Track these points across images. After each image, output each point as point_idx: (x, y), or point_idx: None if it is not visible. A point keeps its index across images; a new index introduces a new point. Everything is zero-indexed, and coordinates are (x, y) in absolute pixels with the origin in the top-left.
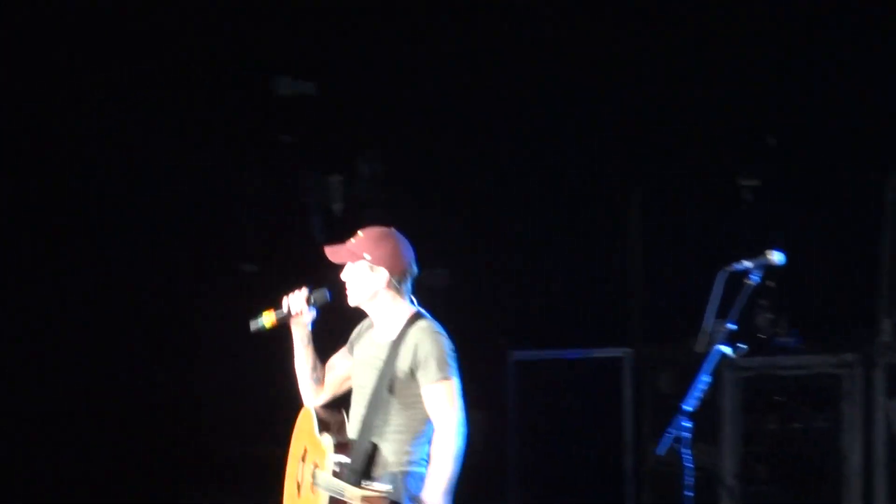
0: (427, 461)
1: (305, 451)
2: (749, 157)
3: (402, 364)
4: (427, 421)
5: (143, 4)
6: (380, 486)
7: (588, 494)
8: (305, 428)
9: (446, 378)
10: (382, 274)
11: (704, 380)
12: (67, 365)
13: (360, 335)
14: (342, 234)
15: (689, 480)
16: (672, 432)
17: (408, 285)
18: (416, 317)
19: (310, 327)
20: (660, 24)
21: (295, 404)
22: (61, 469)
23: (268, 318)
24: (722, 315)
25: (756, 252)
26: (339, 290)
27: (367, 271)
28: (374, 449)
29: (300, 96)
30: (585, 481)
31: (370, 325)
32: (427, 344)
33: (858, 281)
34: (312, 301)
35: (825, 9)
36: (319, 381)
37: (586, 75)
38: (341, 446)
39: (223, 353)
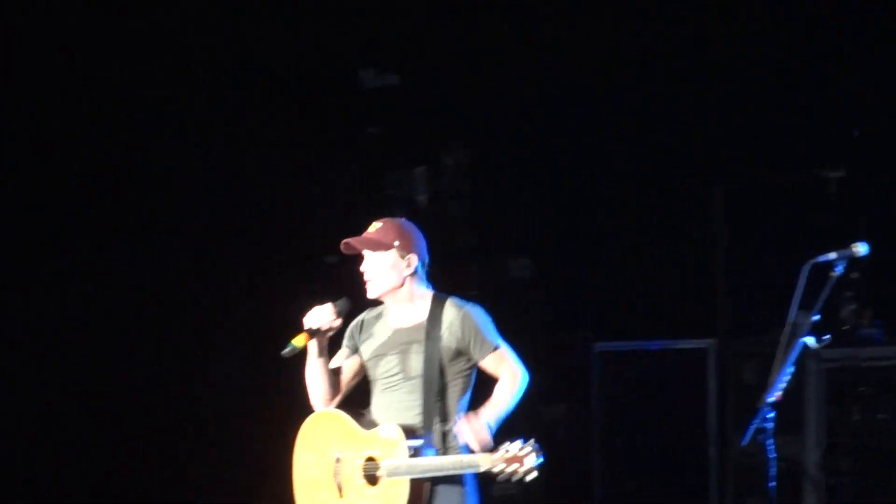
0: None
1: (340, 451)
2: (833, 149)
3: (448, 343)
4: (468, 385)
5: None
6: (513, 446)
7: (672, 485)
8: (331, 429)
9: (498, 346)
10: (412, 260)
11: (788, 371)
12: (143, 347)
13: (362, 329)
14: (428, 227)
15: (773, 471)
16: (756, 423)
17: (427, 272)
18: (440, 298)
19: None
20: (741, 18)
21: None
22: (97, 462)
23: (299, 340)
24: (806, 307)
25: (840, 244)
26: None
27: (395, 259)
28: (445, 425)
29: (385, 88)
30: (669, 472)
31: (377, 316)
32: (468, 321)
33: None
34: (339, 312)
35: None
36: (335, 387)
37: (671, 68)
38: (409, 431)
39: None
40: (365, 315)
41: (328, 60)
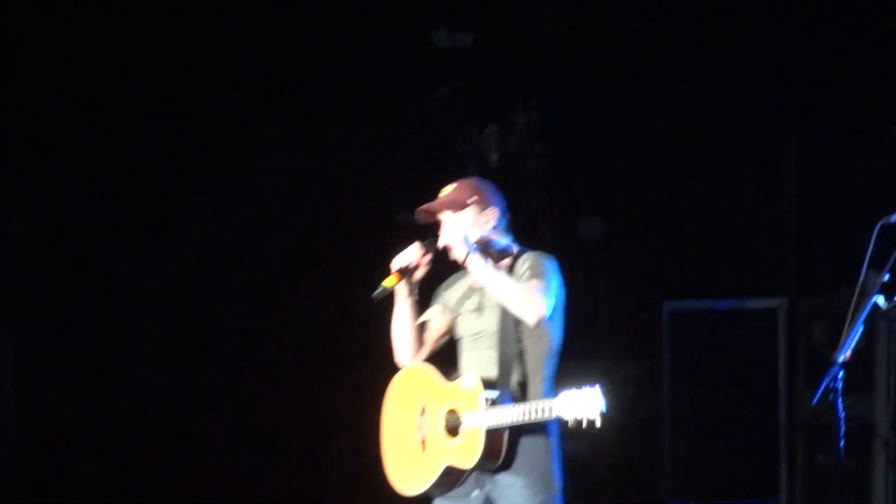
0: (553, 386)
1: (424, 405)
2: None
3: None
4: (550, 347)
5: None
6: (581, 392)
7: (741, 445)
8: (418, 383)
9: (540, 280)
10: (492, 214)
11: (858, 331)
12: (221, 306)
13: (451, 288)
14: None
15: (842, 431)
16: (825, 383)
17: (508, 225)
18: (521, 252)
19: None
20: None
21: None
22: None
23: (389, 280)
24: (877, 266)
25: None
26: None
27: (474, 216)
28: (524, 377)
29: (457, 48)
30: (739, 432)
31: (463, 274)
32: (533, 260)
33: None
34: (426, 248)
35: None
36: (420, 341)
37: (743, 24)
38: (488, 383)
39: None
40: (454, 275)
41: (401, 21)
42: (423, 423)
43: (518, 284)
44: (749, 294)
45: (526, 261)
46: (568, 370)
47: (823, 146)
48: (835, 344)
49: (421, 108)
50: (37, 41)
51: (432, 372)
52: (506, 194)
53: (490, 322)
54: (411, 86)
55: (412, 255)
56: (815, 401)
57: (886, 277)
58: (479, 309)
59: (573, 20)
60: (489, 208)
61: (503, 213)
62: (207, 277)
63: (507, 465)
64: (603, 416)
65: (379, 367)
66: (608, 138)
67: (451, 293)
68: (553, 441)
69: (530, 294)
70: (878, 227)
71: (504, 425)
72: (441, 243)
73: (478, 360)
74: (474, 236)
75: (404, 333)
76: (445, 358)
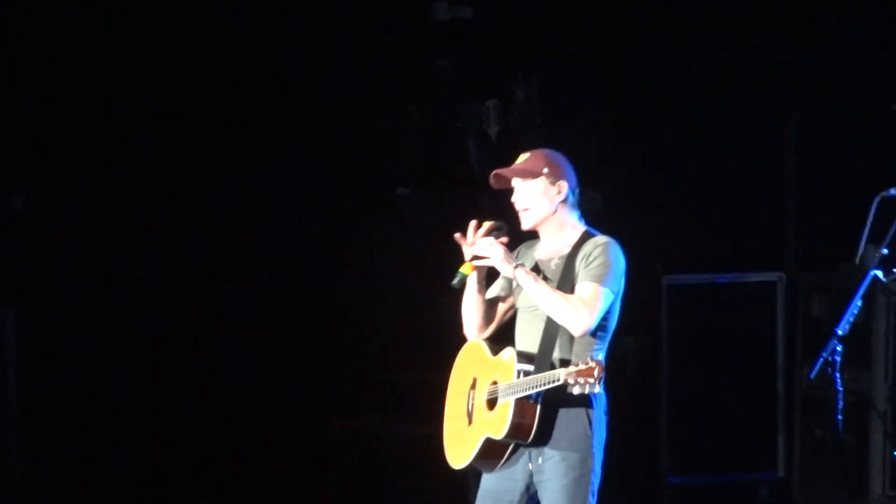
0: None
1: (475, 379)
2: None
3: (578, 272)
4: (604, 328)
5: None
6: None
7: (740, 418)
8: (473, 358)
9: (600, 285)
10: (563, 187)
11: (857, 304)
12: (226, 278)
13: (516, 259)
14: (498, 159)
15: (840, 404)
16: (824, 356)
17: (578, 201)
18: (590, 233)
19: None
20: None
21: (450, 328)
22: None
23: (466, 268)
24: (875, 240)
25: None
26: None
27: (546, 187)
28: (572, 355)
29: (457, 21)
30: (737, 405)
31: (530, 246)
32: (599, 248)
33: None
34: (500, 236)
35: None
36: (488, 317)
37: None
38: (524, 356)
39: (382, 277)
40: (521, 247)
41: None
42: (472, 397)
43: (565, 298)
44: (748, 268)
45: (592, 250)
46: None
47: (824, 121)
48: (833, 318)
49: (421, 83)
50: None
51: (484, 347)
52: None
53: None
54: (411, 60)
55: (487, 250)
56: (813, 374)
57: (885, 251)
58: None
59: None
60: (561, 181)
61: (574, 188)
62: (213, 258)
63: (542, 438)
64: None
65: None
66: (608, 112)
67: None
68: (595, 414)
69: (577, 308)
70: (876, 201)
71: (533, 396)
72: (481, 254)
73: (531, 332)
74: (543, 208)
75: (471, 315)
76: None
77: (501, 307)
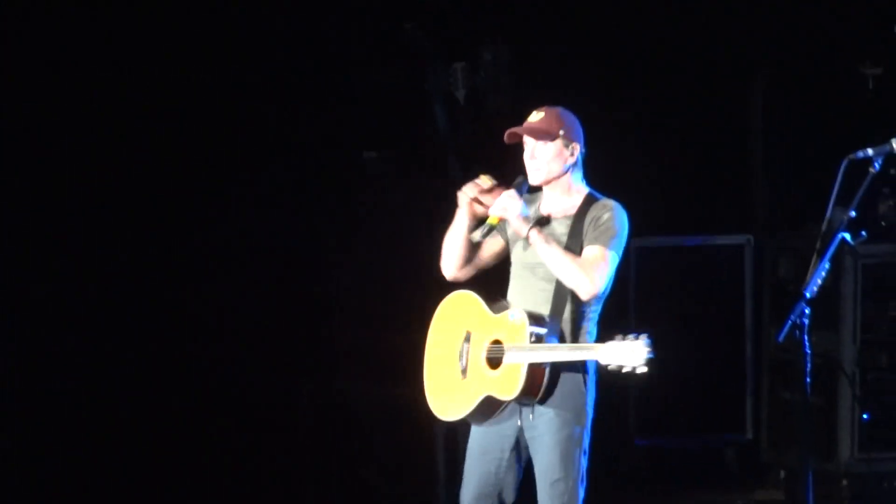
0: (597, 327)
1: (468, 333)
2: (873, 45)
3: (586, 234)
4: (604, 291)
5: None
6: (626, 339)
7: (708, 380)
8: (466, 311)
9: (606, 248)
10: (576, 150)
11: (825, 267)
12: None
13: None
14: (466, 122)
15: (808, 367)
16: (792, 319)
17: (584, 162)
18: (594, 196)
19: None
20: None
21: (419, 288)
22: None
23: (492, 219)
24: (843, 203)
25: (879, 140)
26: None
27: (560, 149)
28: (575, 315)
29: None
30: (705, 367)
31: (531, 200)
32: (607, 212)
33: None
34: (519, 190)
35: None
36: (469, 258)
37: None
38: (534, 318)
39: (350, 239)
40: (521, 200)
41: None
42: (466, 351)
43: (575, 262)
44: (716, 231)
45: (601, 213)
46: None
47: (790, 83)
48: (801, 280)
49: (388, 45)
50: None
51: (480, 301)
52: (473, 131)
53: None
54: (378, 22)
55: (509, 206)
56: (781, 337)
57: (853, 214)
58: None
59: None
60: (574, 143)
61: (583, 150)
62: (180, 222)
63: (544, 399)
64: (649, 363)
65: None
66: (575, 76)
67: None
68: (589, 378)
69: (588, 271)
70: (844, 164)
71: (546, 362)
72: (496, 213)
73: (530, 290)
74: (556, 169)
75: (452, 250)
76: (493, 285)
77: (487, 254)
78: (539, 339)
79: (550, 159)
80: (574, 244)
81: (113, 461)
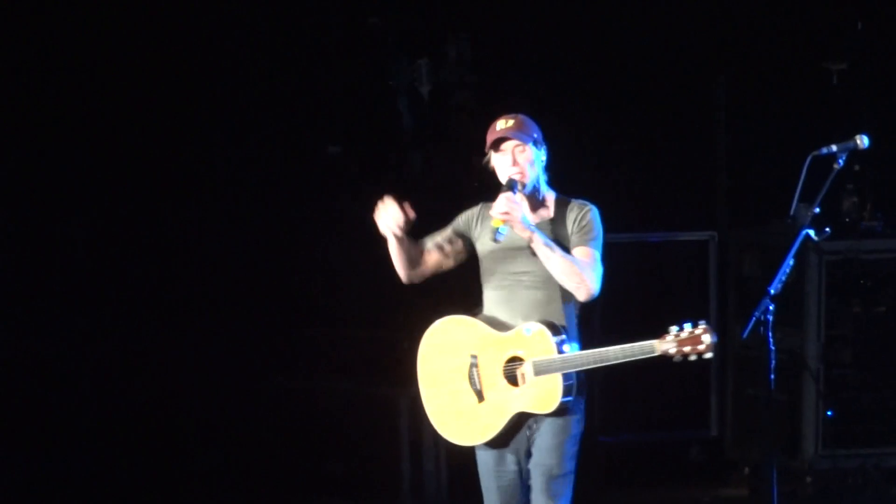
0: (581, 328)
1: (474, 356)
2: (836, 41)
3: (571, 237)
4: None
5: None
6: (685, 328)
7: (672, 377)
8: (464, 335)
9: (592, 248)
10: (544, 154)
11: (789, 263)
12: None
13: (480, 222)
14: (430, 117)
15: (773, 363)
16: (756, 315)
17: (548, 166)
18: (564, 198)
19: None
20: None
21: (384, 284)
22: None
23: (496, 222)
24: (807, 199)
25: (842, 136)
26: None
27: (536, 153)
28: (566, 320)
29: None
30: (669, 364)
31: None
32: (588, 214)
33: None
34: (515, 192)
35: None
36: (415, 260)
37: None
38: (551, 328)
39: (315, 234)
40: (477, 209)
41: None
42: (476, 375)
43: (575, 263)
44: (680, 227)
45: (581, 215)
46: None
47: (753, 80)
48: (765, 277)
49: (352, 40)
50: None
51: (477, 322)
52: (436, 126)
53: (535, 262)
54: (342, 17)
55: (507, 204)
56: (745, 334)
57: (817, 210)
58: (526, 248)
59: None
60: (543, 147)
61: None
62: (148, 218)
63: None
64: (714, 348)
65: None
66: (539, 72)
67: (482, 229)
68: (580, 375)
69: (585, 273)
70: (808, 160)
71: (586, 368)
72: (498, 215)
73: (518, 299)
74: (534, 173)
75: (396, 258)
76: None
77: (437, 257)
78: (562, 347)
79: (531, 163)
80: (562, 245)
81: (82, 456)
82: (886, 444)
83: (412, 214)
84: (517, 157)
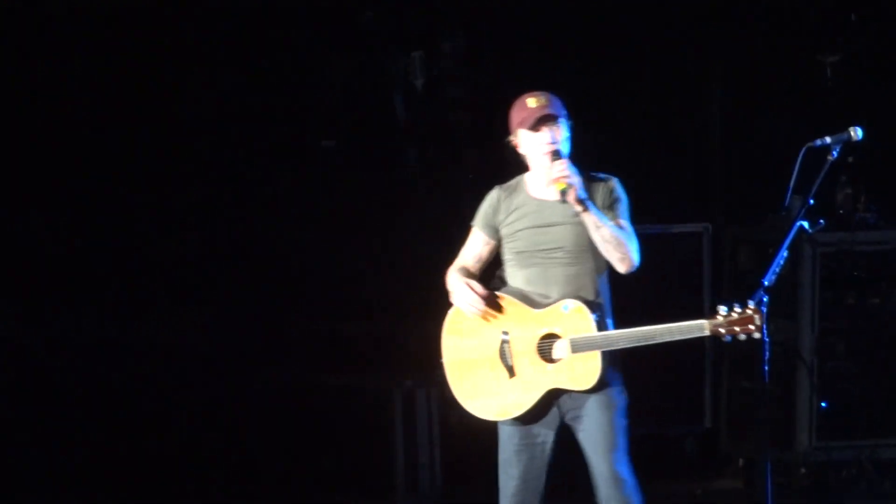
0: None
1: (505, 332)
2: (831, 33)
3: (601, 209)
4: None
5: None
6: (735, 309)
7: (667, 370)
8: (495, 312)
9: (629, 220)
10: (569, 130)
11: (783, 255)
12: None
13: (500, 208)
14: (424, 111)
15: (767, 355)
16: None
17: None
18: (589, 174)
19: None
20: None
21: (374, 277)
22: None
23: (559, 184)
24: (801, 191)
25: (836, 128)
26: None
27: (567, 127)
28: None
29: None
30: (664, 357)
31: (512, 190)
32: (616, 188)
33: None
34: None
35: None
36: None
37: None
38: (589, 304)
39: (309, 227)
40: (495, 195)
41: None
42: (508, 351)
43: (621, 235)
44: (674, 219)
45: (611, 188)
46: None
47: (749, 72)
48: (759, 268)
49: (346, 33)
50: None
51: (508, 298)
52: (430, 120)
53: (567, 237)
54: (337, 11)
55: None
56: None
57: (811, 202)
58: (558, 225)
59: None
60: (570, 122)
61: None
62: (140, 210)
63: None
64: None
65: None
66: (533, 64)
67: (504, 213)
68: (617, 353)
69: (629, 244)
70: (802, 152)
71: (630, 346)
72: (563, 179)
73: (550, 275)
74: (567, 149)
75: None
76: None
77: (480, 266)
78: (601, 324)
79: (565, 139)
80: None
81: (67, 450)
82: (881, 436)
83: (485, 293)
84: (557, 134)
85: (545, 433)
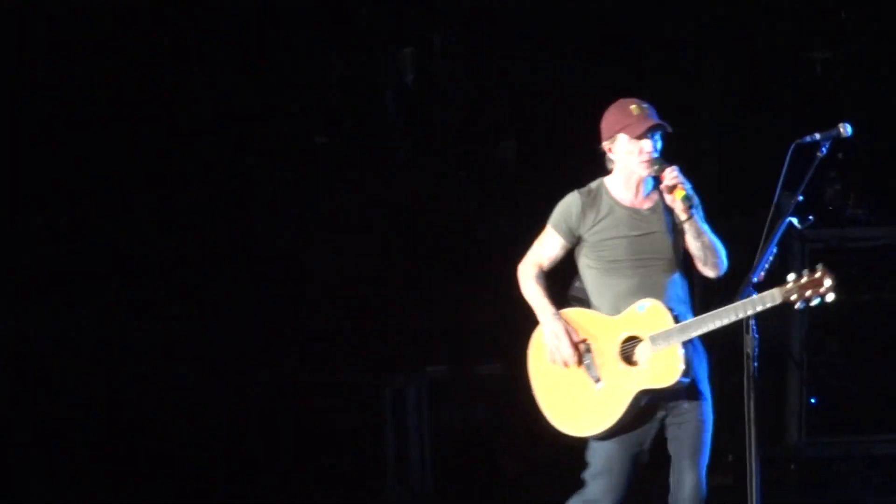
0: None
1: (587, 344)
2: (820, 30)
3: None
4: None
5: None
6: (804, 274)
7: None
8: (576, 327)
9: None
10: None
11: (772, 251)
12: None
13: (585, 215)
14: (417, 108)
15: (756, 351)
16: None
17: None
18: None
19: None
20: None
21: (374, 274)
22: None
23: (679, 192)
24: (791, 187)
25: (826, 124)
26: None
27: (660, 138)
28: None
29: None
30: None
31: (595, 196)
32: (696, 196)
33: None
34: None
35: None
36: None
37: None
38: (681, 306)
39: (298, 222)
40: (578, 201)
41: None
42: (593, 362)
43: (717, 242)
44: None
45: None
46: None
47: (741, 68)
48: (750, 265)
49: (338, 30)
50: None
51: (585, 311)
52: (424, 117)
53: (667, 246)
54: (329, 6)
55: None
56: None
57: (800, 198)
58: (655, 232)
59: None
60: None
61: None
62: (138, 209)
63: (690, 372)
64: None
65: None
66: (524, 59)
67: (590, 221)
68: (697, 343)
69: (721, 251)
70: (792, 148)
71: (707, 331)
72: (683, 185)
73: (653, 283)
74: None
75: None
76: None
77: (555, 262)
78: (677, 318)
79: (661, 148)
80: (678, 228)
81: (67, 450)
82: (870, 432)
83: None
84: (656, 143)
85: (640, 443)
